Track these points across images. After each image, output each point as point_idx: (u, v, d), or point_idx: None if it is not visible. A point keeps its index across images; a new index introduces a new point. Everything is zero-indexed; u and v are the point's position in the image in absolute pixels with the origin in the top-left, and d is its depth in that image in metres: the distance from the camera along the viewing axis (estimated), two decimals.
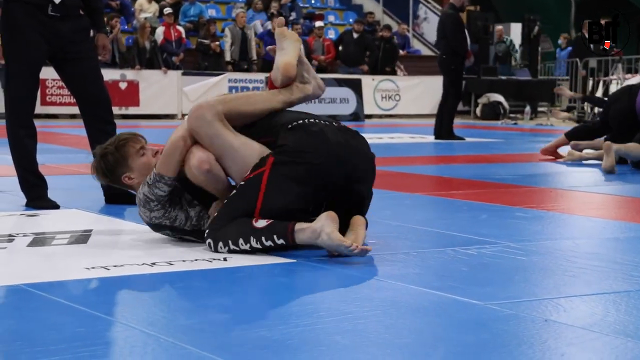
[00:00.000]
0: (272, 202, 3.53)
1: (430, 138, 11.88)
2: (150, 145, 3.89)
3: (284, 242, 3.50)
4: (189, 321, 2.63)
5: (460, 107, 19.05)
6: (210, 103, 3.66)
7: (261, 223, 3.53)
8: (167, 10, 17.17)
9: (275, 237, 3.51)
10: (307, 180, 3.54)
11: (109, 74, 15.01)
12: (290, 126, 3.62)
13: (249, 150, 3.61)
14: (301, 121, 3.65)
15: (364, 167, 3.72)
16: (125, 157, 3.81)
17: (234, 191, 3.62)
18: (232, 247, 3.54)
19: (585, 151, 8.22)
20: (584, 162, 8.02)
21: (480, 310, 2.76)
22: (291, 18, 19.53)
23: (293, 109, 3.86)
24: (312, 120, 3.67)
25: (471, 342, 2.43)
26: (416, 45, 21.61)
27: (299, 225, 3.49)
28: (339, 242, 3.43)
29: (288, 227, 3.50)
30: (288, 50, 3.81)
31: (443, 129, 11.39)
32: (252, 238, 3.52)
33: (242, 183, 3.60)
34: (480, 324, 2.60)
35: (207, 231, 3.61)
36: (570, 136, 8.55)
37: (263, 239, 3.52)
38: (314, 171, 3.54)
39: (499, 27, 20.01)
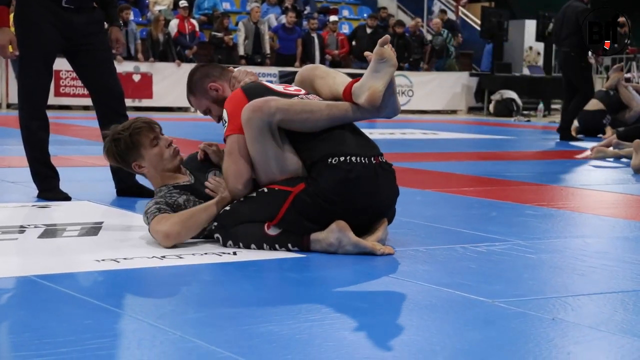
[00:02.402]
0: (290, 222, 3.53)
1: (442, 134, 11.88)
2: (164, 135, 3.89)
3: (298, 249, 3.53)
4: (198, 315, 2.64)
5: (472, 103, 19.15)
6: (272, 108, 3.51)
7: (274, 230, 3.54)
8: (183, 3, 17.18)
9: (289, 245, 3.54)
10: (326, 219, 3.53)
11: (122, 66, 15.08)
12: (330, 161, 3.51)
13: (282, 165, 3.55)
14: (343, 158, 3.52)
15: (385, 207, 3.70)
16: (138, 145, 3.81)
17: (254, 194, 3.60)
18: (242, 248, 3.56)
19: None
20: (612, 159, 7.86)
21: (488, 307, 2.76)
22: (305, 12, 19.54)
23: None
24: (354, 159, 3.53)
25: (479, 339, 2.43)
26: None
27: (314, 236, 3.52)
28: (363, 248, 3.49)
29: (303, 239, 3.53)
30: (381, 75, 3.54)
31: (563, 127, 11.10)
32: (264, 245, 3.54)
33: (265, 191, 3.57)
34: (488, 322, 2.61)
35: (215, 224, 3.61)
36: (623, 136, 8.45)
37: (277, 246, 3.54)
38: (335, 215, 3.52)
39: (437, 20, 19.87)
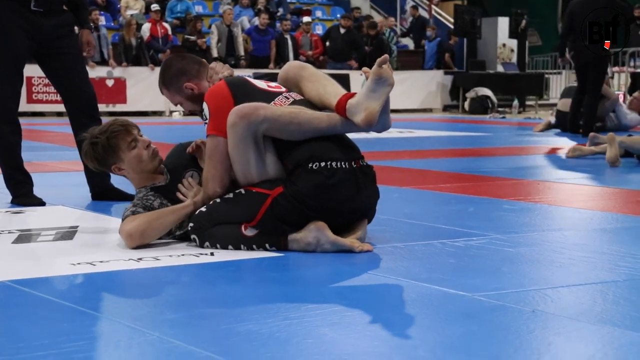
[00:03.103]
0: (267, 224, 3.51)
1: (418, 132, 11.89)
2: (142, 137, 3.84)
3: (276, 249, 3.51)
4: (176, 315, 2.61)
5: (447, 101, 19.21)
6: (259, 117, 3.47)
7: (251, 231, 3.52)
8: (155, 7, 17.13)
9: (267, 245, 3.52)
10: (305, 222, 3.51)
11: (95, 71, 15.00)
12: (311, 166, 3.49)
13: (262, 171, 3.53)
14: (324, 164, 3.49)
15: (365, 210, 3.69)
16: (116, 149, 3.77)
17: (231, 195, 3.57)
18: (218, 248, 3.53)
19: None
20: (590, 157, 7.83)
21: (468, 301, 2.75)
22: (278, 14, 19.52)
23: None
24: (335, 164, 3.50)
25: (459, 333, 2.42)
26: (403, 40, 21.62)
27: (292, 236, 3.50)
28: (342, 246, 3.47)
29: (280, 239, 3.51)
30: (378, 95, 3.47)
31: (585, 124, 10.86)
32: (242, 245, 3.52)
33: (243, 192, 3.55)
34: (468, 315, 2.60)
35: (191, 225, 3.58)
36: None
37: (254, 246, 3.52)
38: (313, 218, 3.50)
39: (380, 18, 19.92)
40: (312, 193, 3.47)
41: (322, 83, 3.71)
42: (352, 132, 3.65)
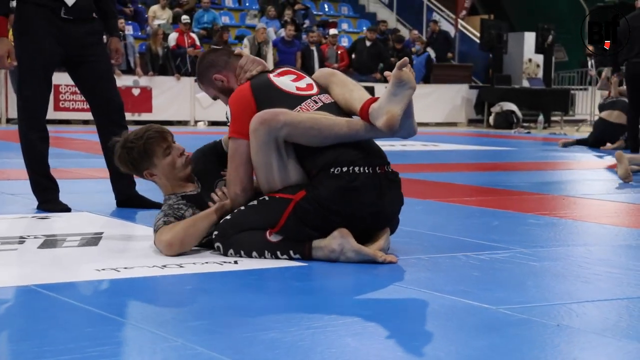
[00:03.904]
0: (291, 229, 3.51)
1: (442, 145, 11.87)
2: (176, 144, 3.85)
3: (300, 257, 3.50)
4: (199, 322, 2.61)
5: (472, 115, 19.16)
6: (279, 123, 3.47)
7: (275, 237, 3.52)
8: (185, 18, 17.17)
9: (291, 252, 3.51)
10: (328, 227, 3.51)
11: (122, 80, 15.08)
12: (332, 171, 3.49)
13: (284, 176, 3.53)
14: (346, 169, 3.49)
15: (388, 217, 3.67)
16: (151, 154, 3.78)
17: (255, 202, 3.58)
18: (243, 256, 3.54)
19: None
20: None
21: (492, 314, 2.74)
22: (305, 25, 19.56)
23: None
24: (357, 169, 3.50)
25: (483, 346, 2.41)
26: (430, 53, 21.60)
27: (316, 243, 3.50)
28: (365, 255, 3.46)
29: (305, 246, 3.51)
30: (399, 99, 3.46)
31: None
32: (266, 252, 3.52)
33: (267, 199, 3.56)
34: (492, 328, 2.58)
35: (215, 233, 3.59)
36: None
37: (278, 253, 3.51)
38: (336, 223, 3.50)
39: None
40: (333, 197, 3.47)
41: (349, 88, 3.72)
42: (376, 137, 3.64)
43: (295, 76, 3.82)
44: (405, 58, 3.53)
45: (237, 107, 3.66)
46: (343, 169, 3.49)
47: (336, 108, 3.70)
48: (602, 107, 12.37)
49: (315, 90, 3.75)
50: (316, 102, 3.68)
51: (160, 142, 3.78)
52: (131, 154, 3.79)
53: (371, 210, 3.56)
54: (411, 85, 3.47)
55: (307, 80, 3.81)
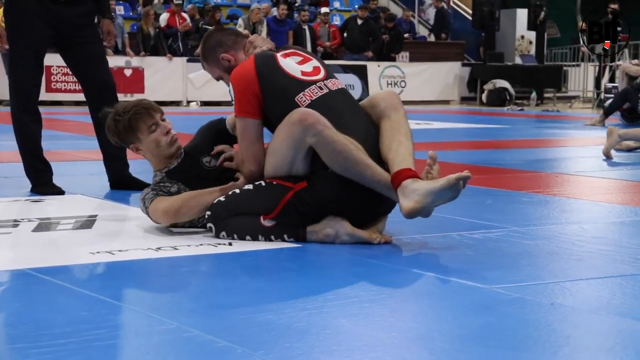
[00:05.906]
0: (287, 216, 3.51)
1: (435, 124, 11.86)
2: (165, 121, 3.83)
3: (294, 241, 3.51)
4: (195, 305, 2.62)
5: (465, 93, 19.15)
6: (315, 130, 3.42)
7: (269, 222, 3.52)
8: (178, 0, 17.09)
9: (285, 236, 3.52)
10: (323, 218, 3.52)
11: (114, 61, 15.01)
12: (332, 171, 3.47)
13: (293, 169, 3.51)
14: None
15: (386, 210, 3.67)
16: (135, 130, 3.77)
17: (251, 187, 3.57)
18: (236, 238, 3.54)
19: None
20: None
21: (486, 293, 2.75)
22: (296, 4, 19.49)
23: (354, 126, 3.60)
24: None
25: (477, 324, 2.42)
26: (422, 31, 21.57)
27: (311, 228, 3.51)
28: (360, 237, 3.47)
29: (298, 231, 3.51)
30: (436, 199, 3.36)
31: None
32: (259, 236, 3.52)
33: (263, 184, 3.55)
34: (486, 307, 2.60)
35: (208, 214, 3.59)
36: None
37: (272, 237, 3.52)
38: (333, 214, 3.51)
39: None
40: (332, 197, 3.49)
41: (398, 139, 3.56)
42: (388, 197, 3.53)
43: (301, 58, 3.78)
44: (433, 152, 3.48)
45: (239, 86, 3.63)
46: None
47: (343, 95, 3.68)
48: None
49: (321, 74, 3.72)
50: (321, 89, 3.65)
51: (145, 119, 3.77)
52: (117, 127, 3.79)
53: (370, 206, 3.57)
54: (455, 197, 3.40)
55: (314, 62, 3.78)
